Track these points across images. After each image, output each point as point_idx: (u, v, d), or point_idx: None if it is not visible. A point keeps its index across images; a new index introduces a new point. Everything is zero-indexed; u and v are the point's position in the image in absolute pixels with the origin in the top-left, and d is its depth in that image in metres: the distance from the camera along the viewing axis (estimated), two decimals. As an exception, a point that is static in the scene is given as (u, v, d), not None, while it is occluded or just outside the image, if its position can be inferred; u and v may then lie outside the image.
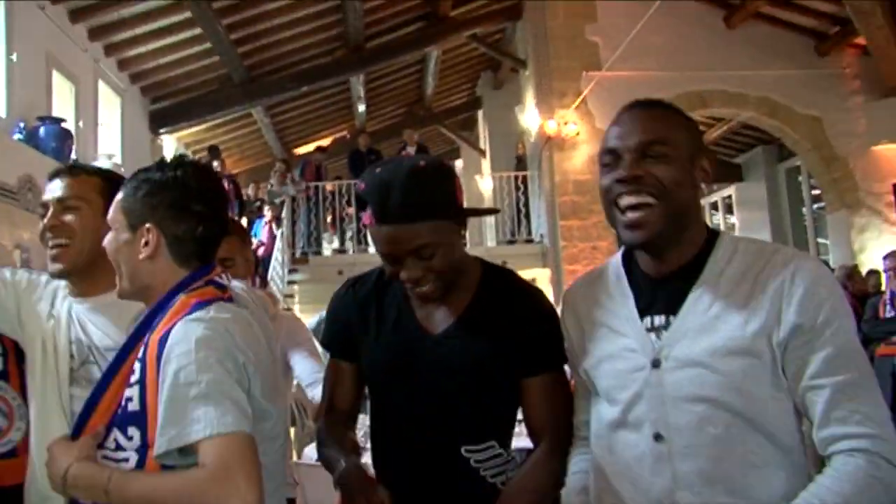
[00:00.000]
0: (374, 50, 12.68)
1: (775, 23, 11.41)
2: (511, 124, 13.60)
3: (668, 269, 1.54)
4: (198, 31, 10.36)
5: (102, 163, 8.32)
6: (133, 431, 1.52)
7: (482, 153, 17.04)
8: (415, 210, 1.60)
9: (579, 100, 10.68)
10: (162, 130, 12.33)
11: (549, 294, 11.11)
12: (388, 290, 1.86)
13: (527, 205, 12.67)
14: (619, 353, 1.55)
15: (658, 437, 1.46)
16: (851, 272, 7.52)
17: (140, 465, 1.49)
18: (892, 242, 10.34)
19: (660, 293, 1.54)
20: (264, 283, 10.96)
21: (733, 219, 15.06)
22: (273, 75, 12.44)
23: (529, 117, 11.76)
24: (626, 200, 1.48)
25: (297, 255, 12.30)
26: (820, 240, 13.66)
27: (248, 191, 13.03)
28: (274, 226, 11.77)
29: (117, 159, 10.54)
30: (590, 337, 1.63)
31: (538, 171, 11.69)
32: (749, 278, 1.46)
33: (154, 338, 1.53)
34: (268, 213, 11.82)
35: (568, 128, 10.74)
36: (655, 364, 1.48)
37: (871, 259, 10.06)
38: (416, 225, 1.61)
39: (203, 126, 13.57)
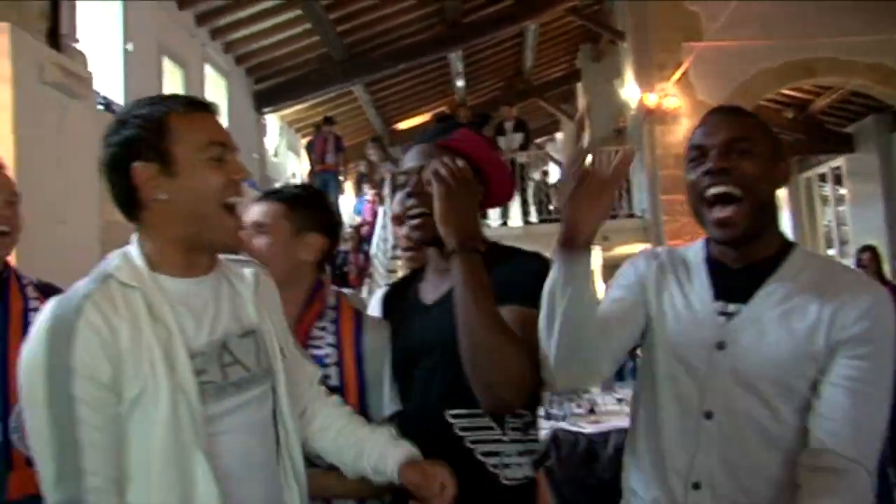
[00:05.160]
0: (471, 25, 12.68)
1: (889, -17, 10.87)
2: (611, 97, 13.42)
3: (744, 263, 1.64)
4: (298, 11, 10.61)
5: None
6: None
7: (582, 126, 16.87)
8: None
9: (680, 72, 10.45)
10: (266, 110, 12.70)
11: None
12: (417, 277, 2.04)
13: (628, 179, 12.50)
14: (687, 326, 1.64)
15: (709, 416, 1.57)
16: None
17: None
18: None
19: (734, 282, 1.63)
20: (367, 259, 11.20)
21: (843, 190, 14.51)
22: (372, 53, 12.60)
23: (629, 90, 11.58)
24: (714, 190, 1.57)
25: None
26: (940, 213, 13.05)
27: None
28: (377, 204, 11.94)
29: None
30: (660, 302, 1.71)
31: (639, 144, 11.53)
32: (819, 287, 1.56)
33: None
34: (368, 192, 12.00)
35: (668, 100, 10.54)
36: (720, 346, 1.58)
37: None
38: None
39: (305, 104, 13.89)
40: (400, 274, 12.40)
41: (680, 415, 1.61)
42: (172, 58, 9.40)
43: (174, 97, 1.53)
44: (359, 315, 2.01)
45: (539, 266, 1.73)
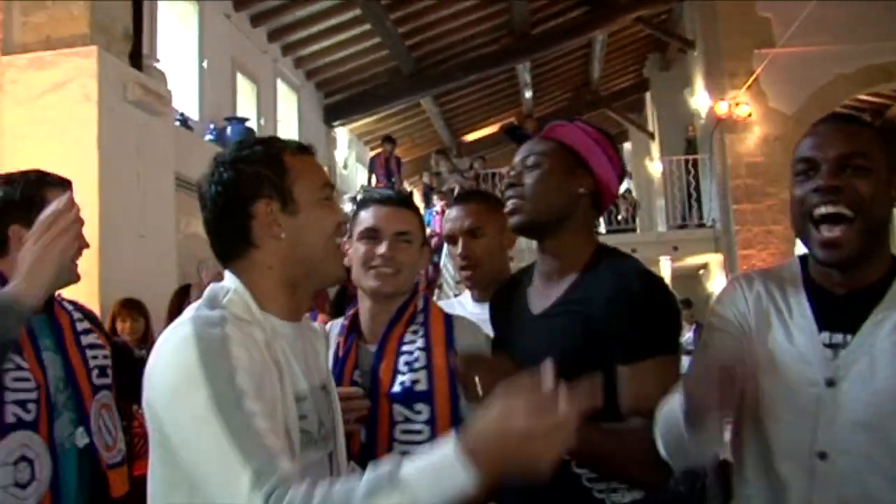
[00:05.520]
0: (539, 36, 12.73)
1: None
2: (680, 106, 13.29)
3: (849, 288, 1.50)
4: (367, 27, 10.81)
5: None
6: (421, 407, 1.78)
7: (651, 136, 16.72)
8: None
9: (751, 79, 10.29)
10: (335, 123, 12.94)
11: (722, 280, 10.81)
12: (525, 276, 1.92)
13: (698, 189, 12.35)
14: (791, 364, 1.50)
15: (823, 456, 1.44)
16: None
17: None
18: None
19: (838, 310, 1.49)
20: (437, 270, 11.26)
21: (924, 200, 14.07)
22: (440, 66, 12.75)
23: (699, 99, 11.46)
24: (822, 210, 1.44)
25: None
26: None
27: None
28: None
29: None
30: (762, 339, 1.56)
31: (709, 153, 11.38)
32: None
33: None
34: (437, 202, 12.11)
35: (740, 109, 10.39)
36: (830, 383, 1.45)
37: None
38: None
39: (374, 117, 14.10)
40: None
41: (792, 456, 1.48)
42: (246, 74, 9.67)
43: (278, 139, 1.51)
44: (448, 317, 1.93)
45: (644, 287, 1.62)
